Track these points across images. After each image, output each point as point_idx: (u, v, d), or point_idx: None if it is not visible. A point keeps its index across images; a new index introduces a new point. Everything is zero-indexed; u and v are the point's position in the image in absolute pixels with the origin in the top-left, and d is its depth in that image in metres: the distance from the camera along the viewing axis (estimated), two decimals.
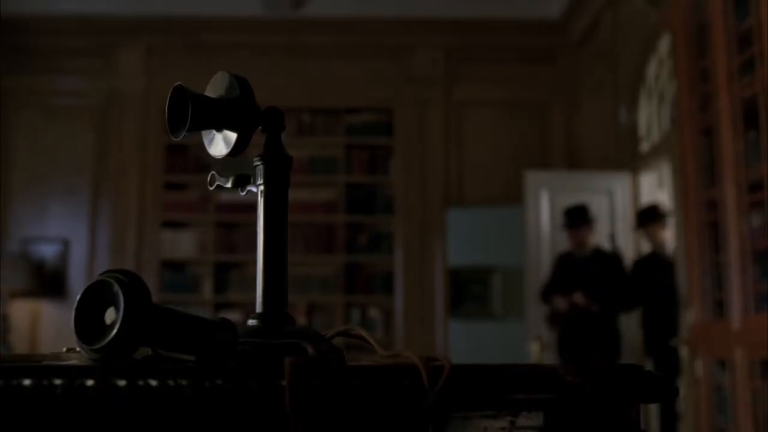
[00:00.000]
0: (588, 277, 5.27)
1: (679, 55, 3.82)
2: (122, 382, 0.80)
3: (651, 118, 5.69)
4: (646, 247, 5.53)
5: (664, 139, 5.32)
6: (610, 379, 0.88)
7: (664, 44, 5.35)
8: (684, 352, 4.21)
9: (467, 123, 6.97)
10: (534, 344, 5.48)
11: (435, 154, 6.92)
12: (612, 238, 5.67)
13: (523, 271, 5.91)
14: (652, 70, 5.63)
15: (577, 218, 5.30)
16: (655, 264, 5.21)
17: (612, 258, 5.45)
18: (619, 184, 5.78)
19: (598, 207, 5.79)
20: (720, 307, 3.41)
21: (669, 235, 5.15)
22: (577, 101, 6.90)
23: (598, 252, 5.40)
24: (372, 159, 6.95)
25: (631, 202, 5.75)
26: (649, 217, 5.20)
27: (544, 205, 5.80)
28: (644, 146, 5.72)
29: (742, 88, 3.20)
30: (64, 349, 1.07)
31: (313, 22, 6.87)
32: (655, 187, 5.76)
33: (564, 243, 5.46)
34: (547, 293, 5.38)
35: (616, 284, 5.26)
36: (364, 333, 1.01)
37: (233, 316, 6.18)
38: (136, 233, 6.73)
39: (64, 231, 6.72)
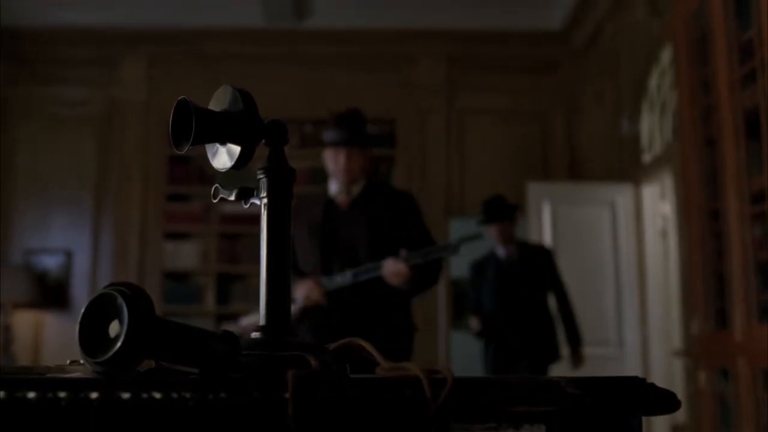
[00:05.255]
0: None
1: (681, 65, 3.83)
2: (126, 395, 0.80)
3: (653, 129, 5.70)
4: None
5: (666, 150, 5.33)
6: (612, 391, 0.89)
7: (666, 55, 5.36)
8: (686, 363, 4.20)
9: (469, 133, 6.98)
10: None
11: (437, 165, 6.92)
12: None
13: None
14: (654, 80, 5.64)
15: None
16: (495, 267, 4.97)
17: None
18: (620, 195, 5.78)
19: (599, 218, 5.79)
20: (723, 317, 3.40)
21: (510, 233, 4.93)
22: (579, 111, 6.91)
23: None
24: (374, 169, 6.96)
25: (633, 213, 5.75)
26: (497, 213, 4.93)
27: (546, 217, 5.80)
28: (646, 157, 5.72)
29: (744, 98, 3.20)
30: (68, 362, 1.08)
31: (315, 33, 6.89)
32: (658, 198, 5.77)
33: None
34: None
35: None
36: (366, 345, 1.02)
37: (236, 327, 6.17)
38: (138, 244, 6.74)
39: (66, 242, 6.73)
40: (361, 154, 3.34)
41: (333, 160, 3.32)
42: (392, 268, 3.06)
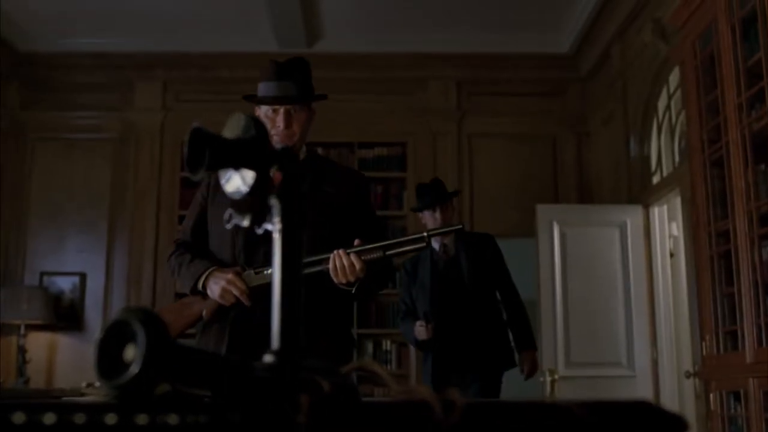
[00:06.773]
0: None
1: (688, 88, 3.85)
2: (143, 419, 0.81)
3: (662, 151, 5.70)
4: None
5: (674, 171, 5.33)
6: (620, 414, 0.90)
7: (674, 77, 5.38)
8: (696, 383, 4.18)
9: (479, 156, 6.99)
10: (547, 377, 5.45)
11: (447, 187, 6.92)
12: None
13: (535, 303, 5.89)
14: (662, 102, 5.66)
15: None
16: (430, 264, 4.44)
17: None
18: (630, 217, 5.78)
19: (609, 240, 5.78)
20: (733, 338, 3.40)
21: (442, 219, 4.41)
22: (588, 134, 6.92)
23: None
24: (385, 192, 6.98)
25: (642, 235, 5.74)
26: (433, 196, 4.47)
27: (556, 239, 5.80)
28: (655, 178, 5.72)
29: (751, 120, 3.22)
30: (84, 385, 1.10)
31: (326, 57, 6.93)
32: (667, 220, 5.76)
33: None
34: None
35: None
36: (378, 369, 1.03)
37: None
38: (152, 266, 6.76)
39: (80, 264, 6.77)
40: (306, 113, 2.67)
41: (270, 121, 2.62)
42: (342, 262, 2.35)
